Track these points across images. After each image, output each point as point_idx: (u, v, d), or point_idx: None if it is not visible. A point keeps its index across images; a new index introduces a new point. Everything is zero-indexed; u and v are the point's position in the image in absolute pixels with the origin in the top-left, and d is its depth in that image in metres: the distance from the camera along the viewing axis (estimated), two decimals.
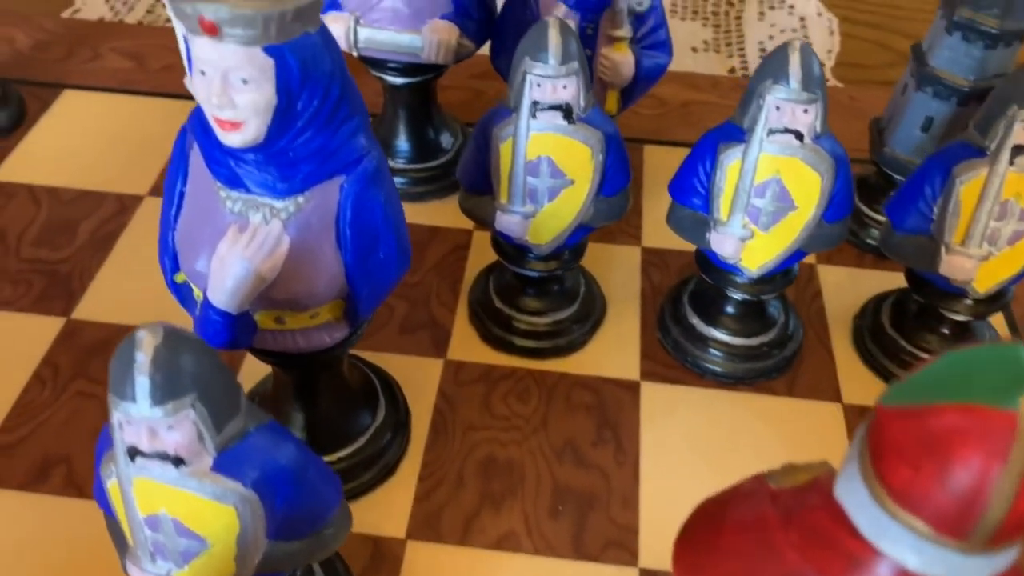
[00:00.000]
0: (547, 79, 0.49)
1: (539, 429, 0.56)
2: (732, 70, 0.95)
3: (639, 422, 0.57)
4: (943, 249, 0.52)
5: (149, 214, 0.69)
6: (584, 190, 0.53)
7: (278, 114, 0.36)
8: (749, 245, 0.53)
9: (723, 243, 0.53)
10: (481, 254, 0.67)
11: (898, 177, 0.66)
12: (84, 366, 0.59)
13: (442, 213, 0.71)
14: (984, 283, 0.54)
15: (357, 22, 0.61)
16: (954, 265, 0.52)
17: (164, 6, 1.00)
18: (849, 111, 0.83)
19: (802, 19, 1.03)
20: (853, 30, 1.02)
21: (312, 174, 0.38)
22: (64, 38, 0.87)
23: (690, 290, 0.62)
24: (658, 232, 0.68)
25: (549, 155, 0.51)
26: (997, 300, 0.55)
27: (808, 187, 0.50)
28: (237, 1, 0.33)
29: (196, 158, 0.40)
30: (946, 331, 0.59)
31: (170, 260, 0.43)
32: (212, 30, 0.33)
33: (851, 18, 1.04)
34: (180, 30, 0.50)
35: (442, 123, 0.72)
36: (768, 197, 0.51)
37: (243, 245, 0.38)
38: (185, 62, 0.38)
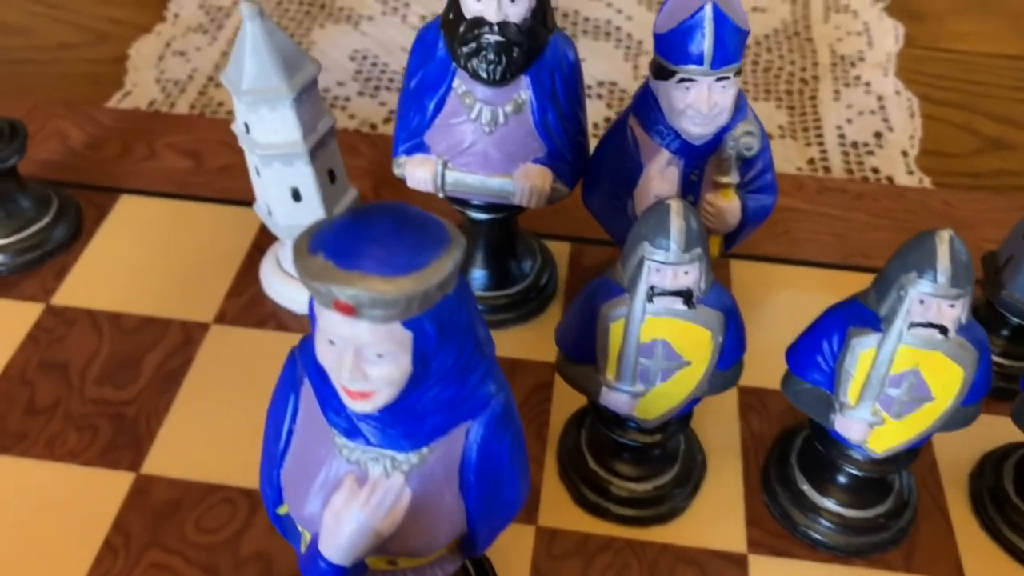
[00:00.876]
0: (668, 266, 0.45)
1: None
2: (811, 161, 0.91)
3: None
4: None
5: (216, 346, 0.66)
6: (701, 370, 0.49)
7: (411, 379, 0.32)
8: (878, 430, 0.49)
9: (850, 427, 0.49)
10: (567, 394, 0.63)
11: (1015, 320, 0.61)
12: (157, 533, 0.55)
13: (522, 342, 0.67)
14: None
15: (445, 166, 0.57)
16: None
17: (218, 86, 0.97)
18: (944, 220, 0.78)
19: (880, 98, 0.98)
20: (935, 111, 0.97)
21: (439, 426, 0.35)
22: (118, 133, 0.84)
23: (798, 448, 0.58)
24: (754, 368, 0.63)
25: (665, 338, 0.47)
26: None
27: (949, 380, 0.46)
28: (374, 281, 0.29)
29: (308, 396, 0.37)
30: None
31: (273, 492, 0.39)
32: (348, 311, 0.30)
33: (931, 96, 0.99)
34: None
35: (523, 249, 0.68)
36: (904, 388, 0.47)
37: (361, 501, 0.35)
38: (309, 320, 0.34)
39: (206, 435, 0.61)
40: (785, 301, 0.71)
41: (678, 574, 0.55)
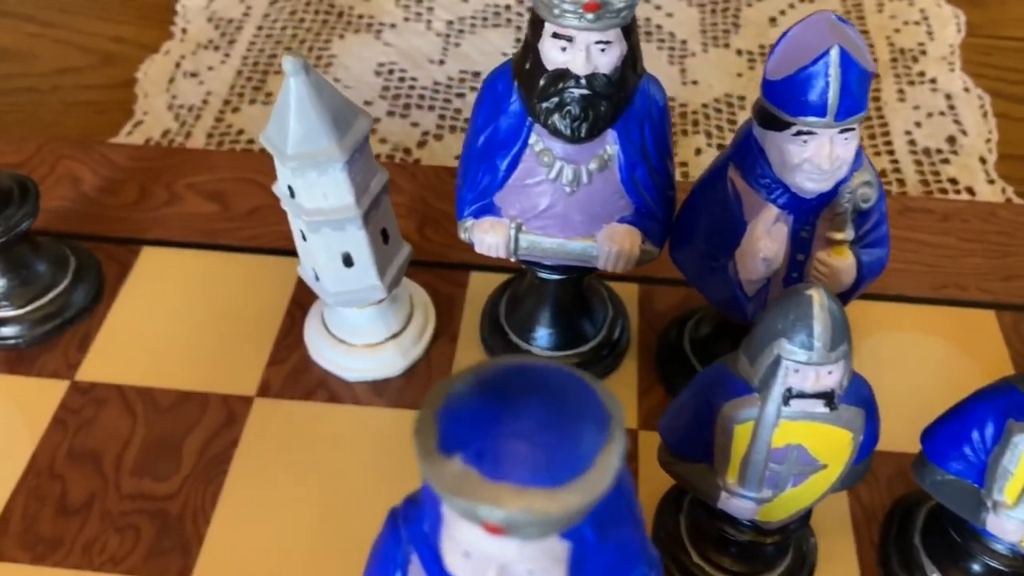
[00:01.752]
0: (810, 367, 0.39)
1: None
2: (883, 173, 0.84)
3: None
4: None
5: (262, 423, 0.60)
6: (836, 472, 0.43)
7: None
8: None
9: (1006, 528, 0.43)
10: (655, 467, 0.58)
11: None
12: None
13: None
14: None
15: (519, 229, 0.51)
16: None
17: (235, 111, 0.90)
18: None
19: (948, 97, 0.91)
20: (1009, 109, 0.90)
21: None
22: (134, 174, 0.77)
23: (920, 528, 0.52)
24: None
25: (801, 443, 0.41)
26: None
27: None
28: (534, 498, 0.23)
29: (416, 570, 0.31)
30: None
31: None
32: (498, 532, 0.23)
33: (1003, 92, 0.92)
34: None
35: (593, 302, 0.62)
36: None
37: None
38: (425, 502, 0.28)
39: (261, 530, 0.55)
40: (879, 345, 0.65)
41: None
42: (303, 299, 0.67)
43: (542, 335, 0.61)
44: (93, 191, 0.76)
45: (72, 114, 0.90)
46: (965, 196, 0.81)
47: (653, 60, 0.97)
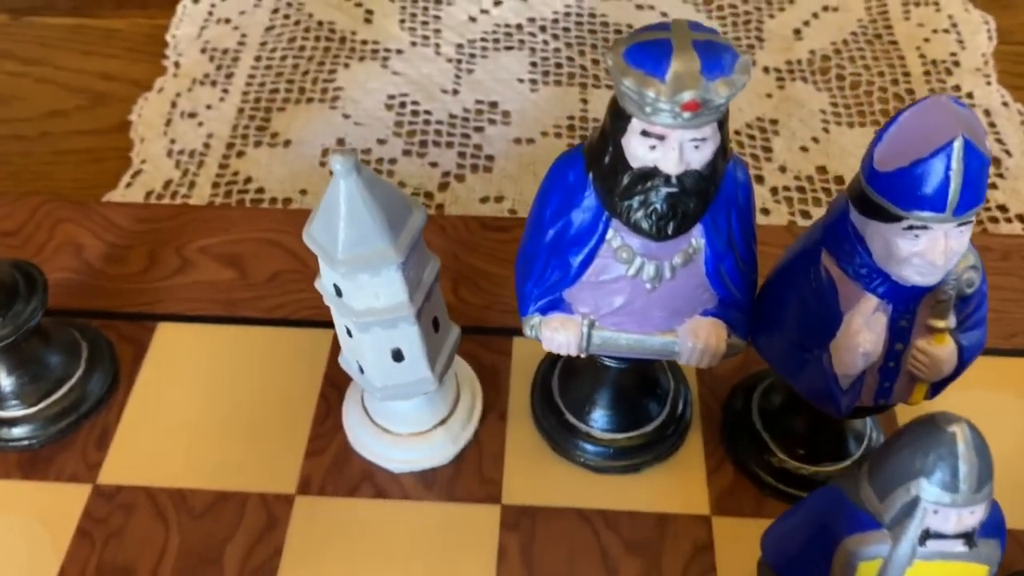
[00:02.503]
0: (953, 509, 0.35)
1: None
2: None
3: None
4: None
5: (306, 524, 0.55)
6: None
7: None
8: None
9: None
10: (735, 556, 0.54)
11: None
12: None
13: (667, 489, 0.57)
14: None
15: (592, 326, 0.46)
16: None
17: (240, 155, 0.84)
18: None
19: (987, 113, 0.87)
20: None
21: None
22: (140, 237, 0.71)
23: None
24: None
25: None
26: None
27: None
28: None
29: None
30: None
31: None
32: None
33: None
34: None
35: (656, 380, 0.58)
36: None
37: None
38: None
39: None
40: (946, 402, 0.61)
41: None
42: (336, 377, 0.62)
43: (601, 416, 0.57)
44: (97, 259, 0.71)
45: (64, 164, 0.83)
46: (1017, 225, 0.78)
47: None
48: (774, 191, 0.80)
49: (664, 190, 0.41)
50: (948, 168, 0.39)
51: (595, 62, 0.93)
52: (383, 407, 0.57)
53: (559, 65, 0.93)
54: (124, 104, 0.89)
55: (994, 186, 0.81)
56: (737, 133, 0.86)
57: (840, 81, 0.91)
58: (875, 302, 0.45)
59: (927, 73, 0.92)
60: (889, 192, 0.41)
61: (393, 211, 0.45)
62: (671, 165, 0.39)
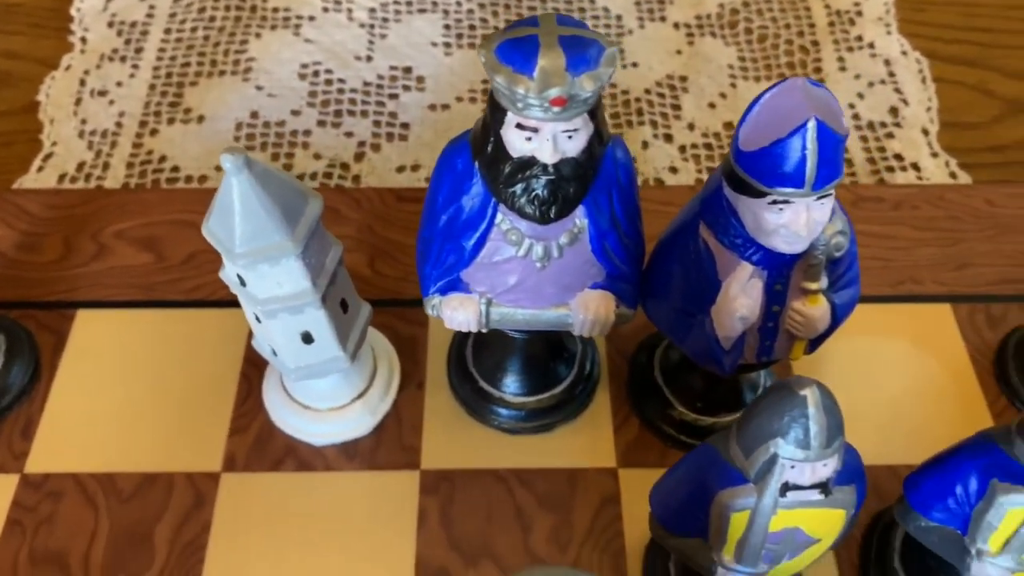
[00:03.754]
0: (807, 464, 0.39)
1: None
2: None
3: None
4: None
5: (233, 501, 0.58)
6: (829, 543, 0.43)
7: None
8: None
9: (987, 573, 0.45)
10: (642, 508, 0.58)
11: None
12: None
13: (577, 447, 0.60)
14: None
15: (489, 304, 0.49)
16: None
17: (153, 133, 0.83)
18: (989, 223, 0.73)
19: (887, 63, 0.90)
20: (945, 71, 0.90)
21: None
22: (54, 224, 0.71)
23: (899, 551, 0.54)
24: None
25: (798, 526, 0.41)
26: None
27: None
28: None
29: None
30: None
31: None
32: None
33: (939, 53, 0.92)
34: None
35: (562, 344, 0.61)
36: None
37: None
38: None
39: None
40: (841, 352, 0.65)
41: None
42: (256, 357, 0.64)
43: (512, 382, 0.60)
44: (11, 249, 0.71)
45: None
46: (912, 174, 0.81)
47: None
48: (682, 149, 0.83)
49: (543, 178, 0.43)
50: (804, 148, 0.42)
51: (507, 22, 0.93)
52: (300, 385, 0.59)
53: (472, 27, 0.93)
54: (30, 84, 0.87)
55: (891, 135, 0.85)
56: (647, 92, 0.87)
57: (748, 35, 0.94)
58: (750, 269, 0.48)
59: (832, 24, 0.95)
60: (753, 170, 0.43)
61: (288, 203, 0.46)
62: (546, 155, 0.41)
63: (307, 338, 0.52)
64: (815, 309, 0.49)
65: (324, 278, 0.50)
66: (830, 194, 0.44)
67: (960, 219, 0.74)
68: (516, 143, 0.42)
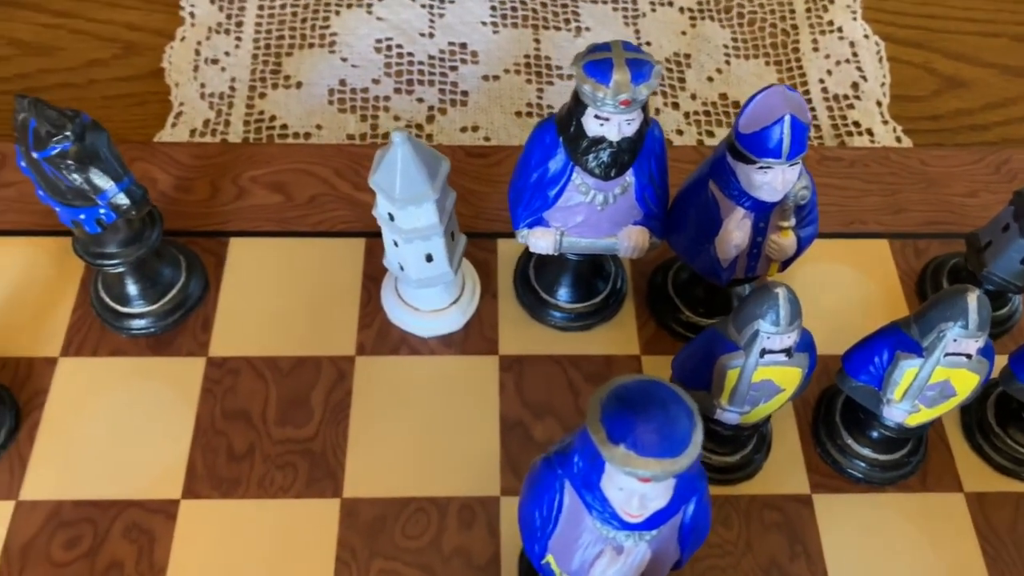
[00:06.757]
0: (778, 335, 0.61)
1: (746, 552, 0.73)
2: None
3: (819, 531, 0.73)
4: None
5: (366, 375, 0.79)
6: (791, 393, 0.66)
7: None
8: (913, 414, 0.68)
9: (894, 414, 0.68)
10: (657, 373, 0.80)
11: (992, 288, 0.80)
12: (375, 544, 0.71)
13: (610, 340, 0.83)
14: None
15: (562, 234, 0.70)
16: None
17: (262, 96, 1.03)
18: (921, 178, 0.95)
19: (852, 44, 1.11)
20: (898, 52, 1.11)
21: (672, 513, 0.51)
22: (200, 172, 0.91)
23: (839, 411, 0.77)
24: None
25: (770, 379, 0.64)
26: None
27: (970, 383, 0.65)
28: (665, 464, 0.44)
29: (571, 495, 0.52)
30: None
31: (541, 551, 0.55)
32: (645, 480, 0.45)
33: (894, 36, 1.12)
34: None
35: (603, 266, 0.82)
36: (937, 391, 0.65)
37: (620, 566, 0.52)
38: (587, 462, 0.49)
39: (384, 456, 0.76)
40: (805, 274, 0.88)
41: (765, 517, 0.74)
42: (374, 273, 0.85)
43: (564, 292, 0.82)
44: (170, 190, 0.91)
45: (114, 108, 1.01)
46: (866, 138, 1.03)
47: (611, 22, 1.13)
48: (687, 115, 1.04)
49: (609, 151, 0.64)
50: (782, 133, 0.63)
51: (543, 5, 1.13)
52: (414, 292, 0.80)
53: (515, 8, 1.12)
54: (153, 52, 1.06)
55: (851, 106, 1.06)
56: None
57: (740, 19, 1.14)
58: (743, 212, 0.70)
59: (808, 11, 1.15)
60: (748, 146, 0.65)
61: (429, 164, 0.67)
62: (613, 135, 0.63)
63: (428, 258, 0.74)
64: (786, 240, 0.71)
65: (445, 216, 0.71)
66: (798, 163, 0.65)
67: (899, 175, 0.96)
68: (592, 127, 0.63)
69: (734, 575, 0.72)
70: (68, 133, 0.63)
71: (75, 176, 0.65)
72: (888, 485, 0.76)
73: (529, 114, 1.02)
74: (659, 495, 0.47)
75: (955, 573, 0.73)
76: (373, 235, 0.87)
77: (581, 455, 0.50)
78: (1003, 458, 0.77)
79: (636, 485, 0.46)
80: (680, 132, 1.02)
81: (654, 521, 0.51)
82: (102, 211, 0.69)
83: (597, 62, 0.60)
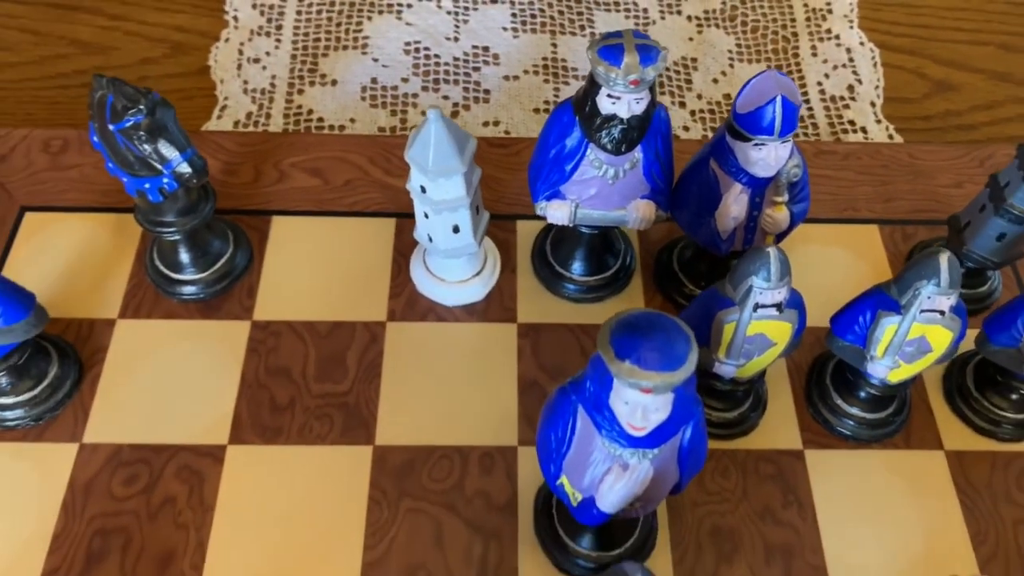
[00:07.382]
0: (769, 291, 0.68)
1: (743, 499, 0.79)
2: (802, 119, 1.12)
3: (810, 483, 0.80)
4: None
5: (396, 339, 0.87)
6: (782, 347, 0.73)
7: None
8: (895, 370, 0.75)
9: (877, 370, 0.75)
10: None
11: (972, 265, 0.86)
12: (404, 486, 0.78)
13: (617, 310, 0.89)
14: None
15: (577, 207, 0.78)
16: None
17: (300, 92, 1.11)
18: (910, 170, 1.02)
19: (848, 51, 1.19)
20: (892, 58, 1.18)
21: (671, 433, 0.58)
22: (244, 157, 1.00)
23: (830, 374, 0.84)
24: None
25: (763, 332, 0.71)
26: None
27: (944, 339, 0.72)
28: (665, 376, 0.51)
29: (583, 418, 0.59)
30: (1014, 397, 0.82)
31: (556, 471, 0.62)
32: (648, 392, 0.52)
33: (888, 44, 1.20)
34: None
35: (613, 243, 0.90)
36: (915, 347, 0.72)
37: (625, 481, 0.58)
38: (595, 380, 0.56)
39: (412, 410, 0.83)
40: (801, 255, 0.95)
41: (760, 469, 0.81)
42: (403, 248, 0.93)
43: (578, 266, 0.89)
44: (218, 173, 0.99)
45: None
46: (860, 135, 1.10)
47: (621, 26, 1.21)
48: (693, 113, 1.11)
49: (620, 127, 0.72)
50: (774, 112, 0.70)
51: (560, 12, 1.21)
52: (441, 263, 0.88)
53: (533, 16, 1.21)
54: (199, 52, 1.15)
55: (847, 106, 1.13)
56: (667, 70, 1.16)
57: (743, 26, 1.22)
58: (740, 187, 0.77)
59: (808, 19, 1.23)
60: (744, 125, 0.72)
61: (459, 140, 0.75)
62: (623, 113, 0.70)
63: (456, 229, 0.81)
64: (780, 214, 0.79)
65: (472, 189, 0.79)
66: (790, 140, 0.73)
67: (889, 167, 1.03)
68: (605, 105, 0.71)
69: (732, 519, 0.78)
70: (142, 107, 0.72)
71: (145, 146, 0.74)
72: (874, 442, 0.82)
73: (546, 111, 1.10)
74: (660, 407, 0.54)
75: (935, 522, 0.79)
76: (403, 215, 0.95)
77: (592, 379, 0.57)
78: (981, 419, 0.83)
79: (640, 397, 0.53)
80: (687, 128, 1.09)
81: (656, 438, 0.58)
82: (165, 180, 0.77)
83: (610, 47, 0.68)
